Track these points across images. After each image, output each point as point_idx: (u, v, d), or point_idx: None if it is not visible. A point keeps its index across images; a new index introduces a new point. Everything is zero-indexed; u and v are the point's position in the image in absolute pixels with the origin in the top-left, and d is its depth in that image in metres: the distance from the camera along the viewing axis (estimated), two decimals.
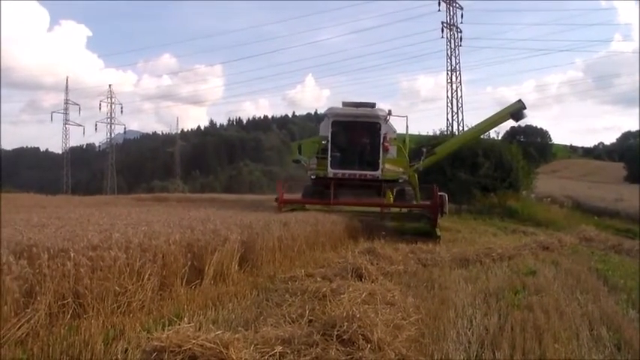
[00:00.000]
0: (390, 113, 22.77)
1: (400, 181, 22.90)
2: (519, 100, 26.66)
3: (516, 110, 26.45)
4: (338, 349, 5.67)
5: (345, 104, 24.17)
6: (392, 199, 23.02)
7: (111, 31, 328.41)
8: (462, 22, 63.65)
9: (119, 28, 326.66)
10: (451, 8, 62.87)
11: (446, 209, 20.22)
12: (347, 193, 21.72)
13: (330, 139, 22.72)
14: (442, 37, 63.12)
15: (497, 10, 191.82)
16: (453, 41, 63.33)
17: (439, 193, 19.53)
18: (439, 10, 62.42)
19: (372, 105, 23.83)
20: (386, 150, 22.63)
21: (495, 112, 27.93)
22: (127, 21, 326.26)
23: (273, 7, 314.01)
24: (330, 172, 22.35)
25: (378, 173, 22.34)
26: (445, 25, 62.79)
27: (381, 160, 22.41)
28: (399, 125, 26.75)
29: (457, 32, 63.44)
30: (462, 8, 63.40)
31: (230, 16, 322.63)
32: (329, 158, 22.51)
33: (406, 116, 28.01)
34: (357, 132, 23.27)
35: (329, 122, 22.89)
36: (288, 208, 20.82)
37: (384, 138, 22.40)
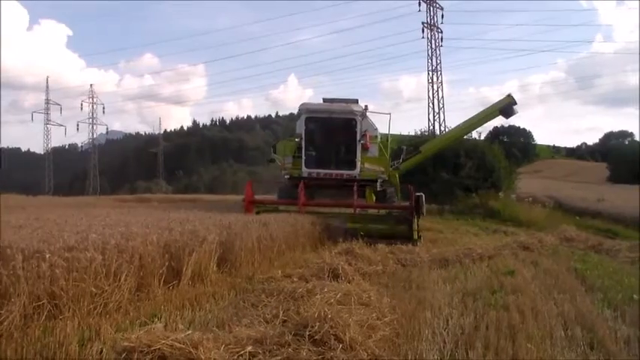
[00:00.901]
0: (367, 109, 21.91)
1: (379, 181, 22.06)
2: (509, 95, 25.73)
3: (506, 106, 25.54)
4: (309, 349, 5.68)
5: (325, 100, 23.34)
6: (374, 199, 22.13)
7: (91, 30, 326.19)
8: (442, 23, 63.92)
9: (100, 27, 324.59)
10: (431, 8, 63.07)
11: (423, 210, 18.92)
12: (324, 194, 21.07)
13: (303, 136, 21.91)
14: (423, 37, 63.34)
15: (478, 11, 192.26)
16: (433, 41, 63.52)
17: (416, 194, 18.45)
18: (419, 11, 62.65)
19: (354, 101, 22.96)
20: (365, 148, 21.78)
21: (477, 111, 27.07)
22: (107, 20, 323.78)
23: (255, 7, 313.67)
24: (305, 171, 21.61)
25: (355, 172, 21.51)
26: (425, 25, 62.92)
27: (358, 159, 21.57)
28: (384, 124, 26.27)
29: (438, 33, 63.67)
30: (442, 8, 63.66)
31: (212, 16, 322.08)
32: (303, 157, 21.75)
33: (389, 113, 27.62)
34: (332, 129, 22.14)
35: (303, 119, 22.10)
36: (261, 209, 19.58)
37: (364, 135, 21.55)
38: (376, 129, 22.71)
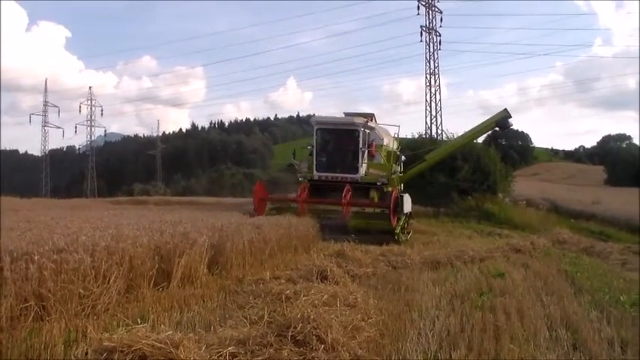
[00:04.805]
0: (370, 120, 24.41)
1: (378, 184, 23.83)
2: (505, 110, 27.35)
3: (502, 119, 27.22)
4: (291, 350, 5.75)
5: (346, 114, 26.29)
6: (377, 199, 23.89)
7: (90, 32, 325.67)
8: (441, 26, 63.79)
9: (98, 29, 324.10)
10: (430, 12, 63.02)
11: (401, 209, 21.65)
12: (332, 194, 22.85)
13: (314, 145, 24.67)
14: (421, 40, 63.30)
15: (477, 14, 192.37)
16: (432, 45, 63.45)
17: (400, 194, 21.58)
18: (418, 14, 62.63)
19: (370, 115, 25.96)
20: (372, 155, 24.50)
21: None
22: (106, 22, 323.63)
23: (254, 10, 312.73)
24: (316, 174, 24.20)
25: (358, 176, 23.73)
26: (424, 28, 62.88)
27: (360, 164, 23.80)
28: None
29: (436, 36, 63.60)
30: (441, 12, 63.53)
31: (211, 19, 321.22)
32: (314, 162, 24.43)
33: (398, 126, 31.84)
34: (338, 138, 24.77)
35: (314, 130, 24.91)
36: (275, 206, 22.98)
37: (370, 145, 24.12)
38: (382, 139, 25.47)
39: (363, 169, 23.97)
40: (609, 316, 8.91)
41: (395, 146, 27.03)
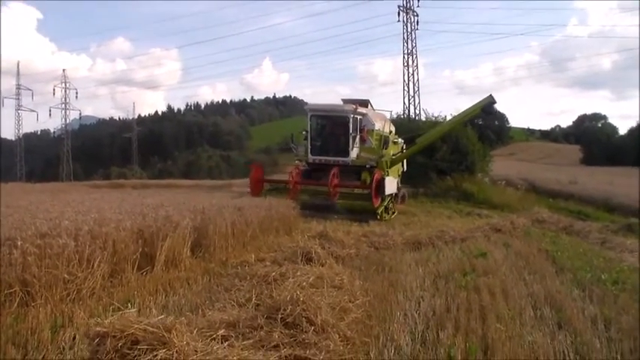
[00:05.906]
0: (356, 108, 25.05)
1: (367, 166, 24.79)
2: (490, 95, 28.08)
3: (487, 104, 28.12)
4: (282, 332, 5.78)
5: (344, 101, 27.44)
6: (368, 181, 24.46)
7: (62, 13, 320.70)
8: (418, 6, 63.82)
9: (70, 10, 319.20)
10: None
11: (383, 191, 22.39)
12: (326, 176, 23.59)
13: (309, 130, 26.15)
14: (399, 20, 63.21)
15: None
16: (409, 25, 63.38)
17: (383, 177, 22.76)
18: None
19: (365, 101, 27.73)
20: (363, 140, 25.51)
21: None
22: (78, 3, 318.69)
23: None
24: (311, 158, 25.67)
25: (348, 160, 25.02)
26: (402, 8, 62.81)
27: (350, 148, 24.97)
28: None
29: (414, 16, 63.55)
30: None
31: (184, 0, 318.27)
32: (309, 146, 25.81)
33: (390, 111, 34.12)
34: (330, 124, 26.27)
35: (308, 116, 26.33)
36: (272, 187, 24.42)
37: (362, 129, 25.30)
38: (374, 124, 26.42)
39: (353, 152, 25.12)
40: (592, 295, 9.01)
41: (388, 130, 27.76)
